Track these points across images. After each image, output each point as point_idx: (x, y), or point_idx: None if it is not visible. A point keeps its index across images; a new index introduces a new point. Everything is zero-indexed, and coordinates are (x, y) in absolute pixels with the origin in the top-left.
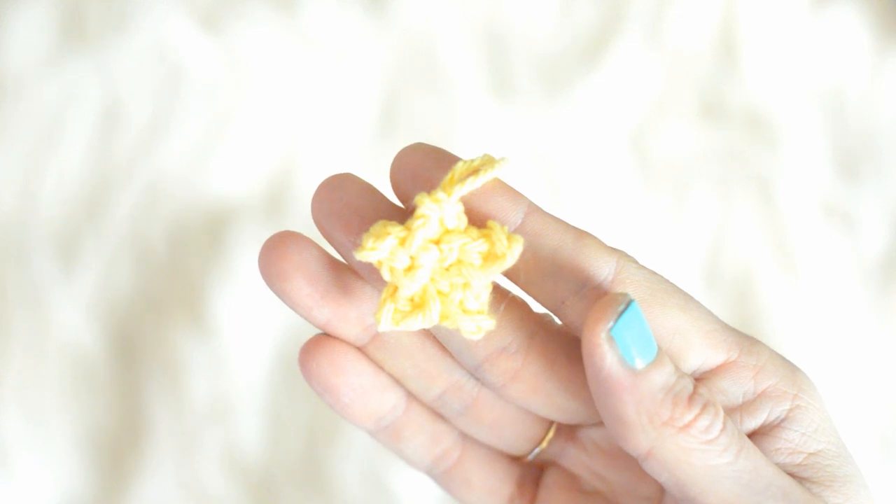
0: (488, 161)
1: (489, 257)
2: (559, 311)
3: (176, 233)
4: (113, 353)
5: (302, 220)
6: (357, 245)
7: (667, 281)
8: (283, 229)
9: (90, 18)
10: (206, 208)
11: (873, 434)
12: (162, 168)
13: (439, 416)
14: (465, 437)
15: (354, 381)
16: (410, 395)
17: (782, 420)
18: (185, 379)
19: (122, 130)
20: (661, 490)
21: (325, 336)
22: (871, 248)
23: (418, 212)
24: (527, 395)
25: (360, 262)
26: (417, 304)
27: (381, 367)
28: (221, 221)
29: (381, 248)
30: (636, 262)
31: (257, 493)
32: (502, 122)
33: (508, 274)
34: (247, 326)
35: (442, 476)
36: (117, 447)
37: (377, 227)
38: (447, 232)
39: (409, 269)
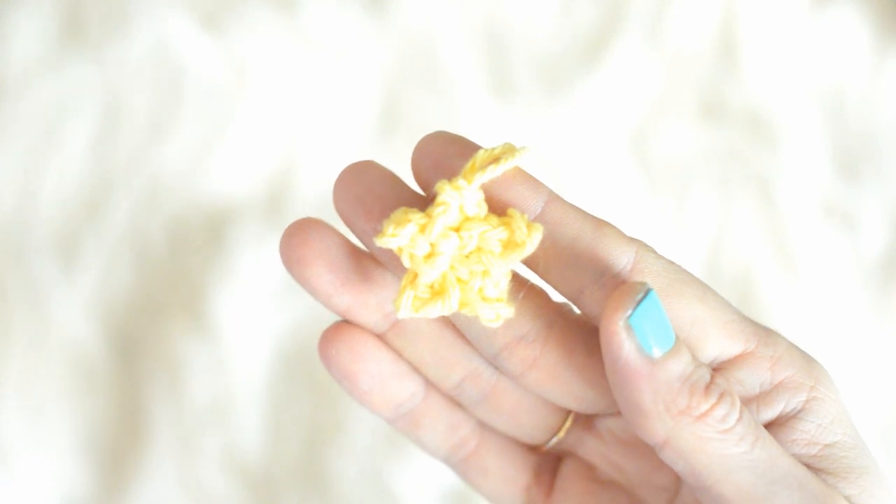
0: (509, 149)
1: (509, 245)
2: (578, 300)
3: (176, 233)
4: (113, 353)
5: None
6: (378, 231)
7: (685, 271)
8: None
9: (90, 19)
10: (206, 208)
11: (873, 433)
12: (162, 168)
13: (457, 404)
14: (483, 426)
15: (373, 367)
16: (429, 383)
17: (799, 411)
18: (185, 379)
19: (122, 130)
20: (678, 480)
21: (345, 323)
22: (871, 248)
23: (439, 199)
24: (545, 384)
25: (380, 249)
26: (437, 292)
27: (400, 355)
28: (221, 221)
29: (402, 234)
30: (655, 251)
31: (257, 493)
32: (502, 122)
33: (528, 262)
34: (247, 326)
35: (459, 464)
36: (117, 447)
37: (398, 213)
38: (467, 219)
39: (429, 256)
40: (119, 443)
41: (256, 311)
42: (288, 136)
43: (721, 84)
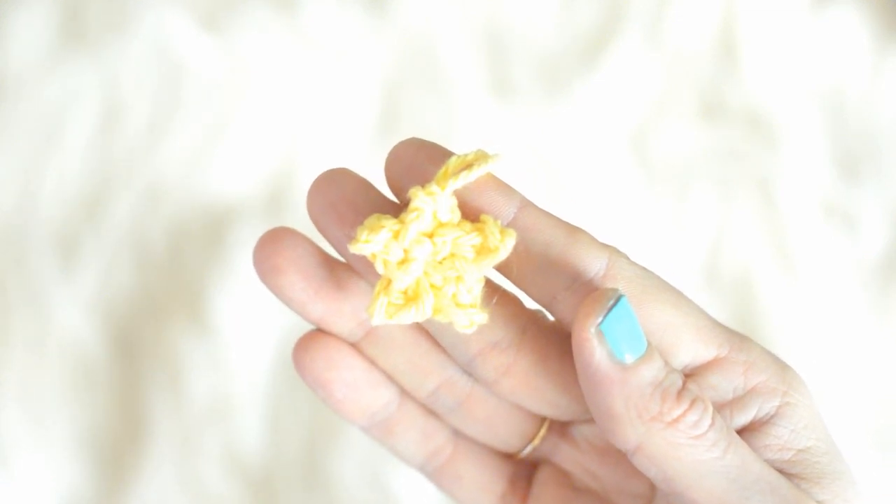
0: (482, 156)
1: (482, 251)
2: (551, 307)
3: (176, 233)
4: (113, 352)
5: (302, 220)
6: (351, 238)
7: (658, 277)
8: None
9: (90, 18)
10: (206, 208)
11: (872, 434)
12: (162, 168)
13: (432, 412)
14: (458, 434)
15: (347, 376)
16: (404, 392)
17: (772, 416)
18: (185, 379)
19: (122, 130)
20: (653, 487)
21: (319, 331)
22: (871, 248)
23: (412, 205)
24: (518, 391)
25: (354, 256)
26: (411, 298)
27: (374, 363)
28: (221, 221)
29: (375, 240)
30: (628, 258)
31: (257, 493)
32: (502, 121)
33: (501, 268)
34: (247, 326)
35: (434, 473)
36: (117, 447)
37: (371, 220)
38: (440, 225)
39: (403, 262)
40: (119, 443)
41: (256, 310)
42: (288, 136)
43: (721, 84)
